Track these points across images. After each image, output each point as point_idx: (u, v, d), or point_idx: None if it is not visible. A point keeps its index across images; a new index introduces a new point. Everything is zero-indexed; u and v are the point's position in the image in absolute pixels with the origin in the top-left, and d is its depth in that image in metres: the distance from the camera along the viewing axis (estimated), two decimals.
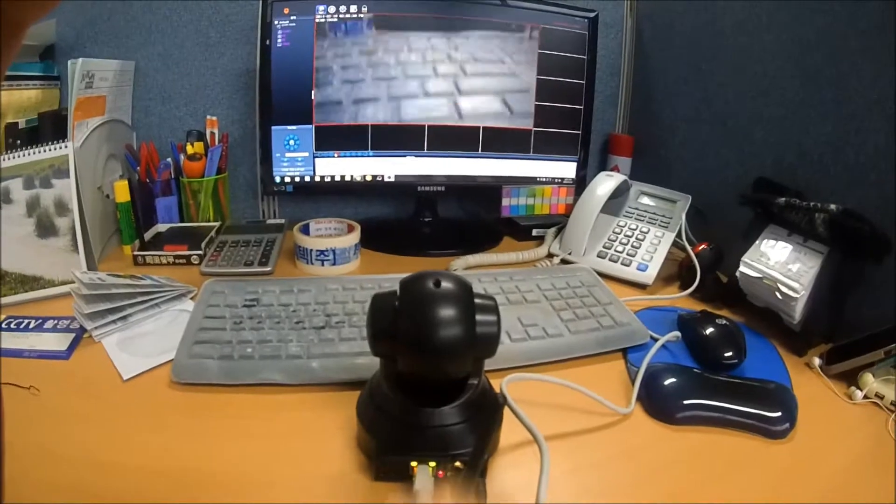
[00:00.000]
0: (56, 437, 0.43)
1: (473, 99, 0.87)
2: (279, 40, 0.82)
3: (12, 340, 0.56)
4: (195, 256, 0.77)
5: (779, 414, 0.47)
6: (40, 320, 0.60)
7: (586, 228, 0.80)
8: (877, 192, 0.60)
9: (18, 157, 0.69)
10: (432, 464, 0.37)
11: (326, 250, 0.75)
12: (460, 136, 0.88)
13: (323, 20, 0.82)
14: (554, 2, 0.88)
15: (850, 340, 0.55)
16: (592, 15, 0.90)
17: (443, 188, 0.91)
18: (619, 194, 0.83)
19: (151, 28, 0.92)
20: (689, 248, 0.75)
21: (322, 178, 0.87)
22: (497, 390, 0.44)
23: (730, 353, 0.55)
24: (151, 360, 0.53)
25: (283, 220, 0.93)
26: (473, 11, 0.85)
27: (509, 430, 0.43)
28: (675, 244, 0.78)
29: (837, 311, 0.60)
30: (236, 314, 0.57)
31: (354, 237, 0.78)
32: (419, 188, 0.91)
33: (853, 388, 0.52)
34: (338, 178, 0.88)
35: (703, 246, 0.74)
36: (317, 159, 0.86)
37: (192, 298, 0.66)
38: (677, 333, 0.59)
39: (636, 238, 0.80)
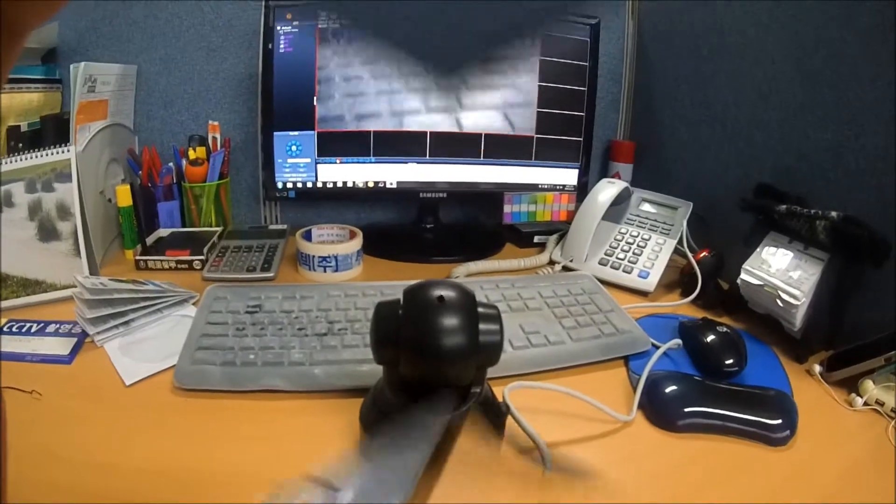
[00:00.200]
0: (59, 441, 0.43)
1: (475, 113, 0.88)
2: (281, 45, 0.82)
3: (14, 344, 0.56)
4: (197, 262, 0.77)
5: (779, 421, 0.47)
6: (42, 324, 0.60)
7: (588, 235, 0.80)
8: (876, 197, 0.60)
9: (20, 160, 0.69)
10: None
11: (329, 256, 0.75)
12: (462, 143, 0.89)
13: (325, 26, 0.82)
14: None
15: (851, 347, 0.55)
16: (594, 21, 0.90)
17: (445, 195, 0.91)
18: (620, 201, 0.84)
19: (153, 32, 0.92)
20: (690, 255, 0.75)
21: (324, 183, 0.87)
22: (500, 398, 0.44)
23: (731, 361, 0.55)
24: (154, 366, 0.53)
25: (285, 226, 0.93)
26: None
27: (512, 438, 0.43)
28: (676, 251, 0.79)
29: (838, 318, 0.61)
30: (239, 320, 0.57)
31: (357, 243, 0.78)
32: (421, 194, 0.91)
33: (853, 394, 0.52)
34: (340, 185, 0.88)
35: (704, 253, 0.74)
36: (319, 165, 0.86)
37: (194, 304, 0.66)
38: (678, 341, 0.59)
39: (637, 245, 0.80)
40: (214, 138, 0.91)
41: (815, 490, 0.42)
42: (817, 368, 0.57)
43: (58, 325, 0.60)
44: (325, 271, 0.76)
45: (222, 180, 0.91)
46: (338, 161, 0.86)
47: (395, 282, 0.67)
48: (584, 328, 0.60)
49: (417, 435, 0.38)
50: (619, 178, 1.03)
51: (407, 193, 0.91)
